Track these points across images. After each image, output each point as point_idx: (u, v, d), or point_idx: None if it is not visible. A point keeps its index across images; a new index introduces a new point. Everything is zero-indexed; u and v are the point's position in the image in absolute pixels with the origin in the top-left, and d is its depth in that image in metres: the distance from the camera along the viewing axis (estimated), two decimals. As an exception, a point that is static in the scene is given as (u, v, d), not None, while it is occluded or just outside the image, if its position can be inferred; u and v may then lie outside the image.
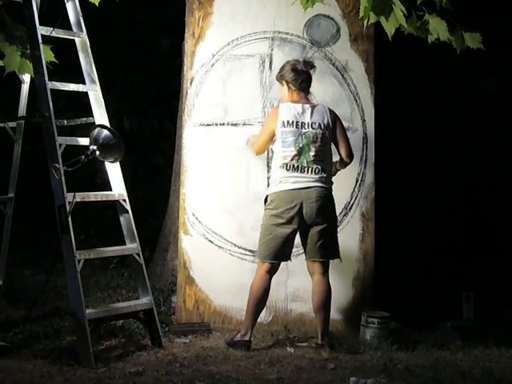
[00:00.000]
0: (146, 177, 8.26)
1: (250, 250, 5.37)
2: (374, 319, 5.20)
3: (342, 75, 5.56)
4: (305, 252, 5.09)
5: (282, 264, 5.17)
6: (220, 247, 5.49)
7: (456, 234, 7.20)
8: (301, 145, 5.00)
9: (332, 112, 5.12)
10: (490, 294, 6.10)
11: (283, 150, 5.02)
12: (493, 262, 6.94)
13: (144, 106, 8.41)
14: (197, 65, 5.56)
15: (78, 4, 5.07)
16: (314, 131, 5.03)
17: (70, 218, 4.60)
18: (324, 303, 5.03)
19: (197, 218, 5.50)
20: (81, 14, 5.08)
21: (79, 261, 4.60)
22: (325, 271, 5.05)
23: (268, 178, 5.33)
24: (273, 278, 5.09)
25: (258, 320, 5.12)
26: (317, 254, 5.03)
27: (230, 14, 5.56)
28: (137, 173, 8.03)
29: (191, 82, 5.56)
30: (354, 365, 4.68)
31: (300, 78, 5.07)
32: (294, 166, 5.00)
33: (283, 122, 5.03)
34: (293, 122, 5.02)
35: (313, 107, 5.08)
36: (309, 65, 5.14)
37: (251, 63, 5.56)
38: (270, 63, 5.52)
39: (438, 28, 4.51)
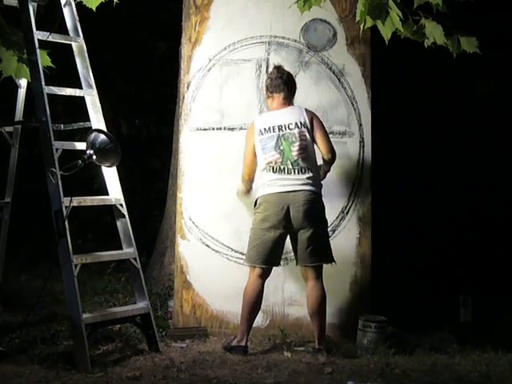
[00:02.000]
0: (143, 181, 8.26)
1: (246, 255, 5.35)
2: (371, 323, 5.18)
3: (339, 79, 5.56)
4: (296, 258, 5.08)
5: (279, 268, 5.18)
6: (217, 252, 5.49)
7: (453, 237, 7.20)
8: (281, 147, 5.02)
9: (308, 111, 5.14)
10: (487, 297, 6.10)
11: (265, 157, 5.04)
12: (490, 266, 6.94)
13: (141, 111, 8.41)
14: (194, 69, 5.56)
15: (74, 9, 5.07)
16: (291, 131, 5.04)
17: (66, 223, 4.60)
18: (319, 308, 5.02)
19: (194, 223, 5.49)
20: (78, 18, 5.08)
21: (76, 265, 4.59)
22: (318, 276, 5.03)
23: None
24: (270, 283, 5.10)
25: (255, 324, 5.12)
26: (308, 259, 5.01)
27: (227, 19, 5.57)
28: (134, 177, 8.03)
29: (188, 87, 5.56)
30: (351, 369, 4.68)
31: (273, 83, 5.14)
32: (280, 168, 5.02)
33: (260, 131, 5.07)
34: (269, 127, 5.06)
35: (287, 109, 5.11)
36: (279, 70, 5.19)
37: (248, 68, 5.56)
38: (267, 68, 5.51)
39: (434, 32, 4.51)
